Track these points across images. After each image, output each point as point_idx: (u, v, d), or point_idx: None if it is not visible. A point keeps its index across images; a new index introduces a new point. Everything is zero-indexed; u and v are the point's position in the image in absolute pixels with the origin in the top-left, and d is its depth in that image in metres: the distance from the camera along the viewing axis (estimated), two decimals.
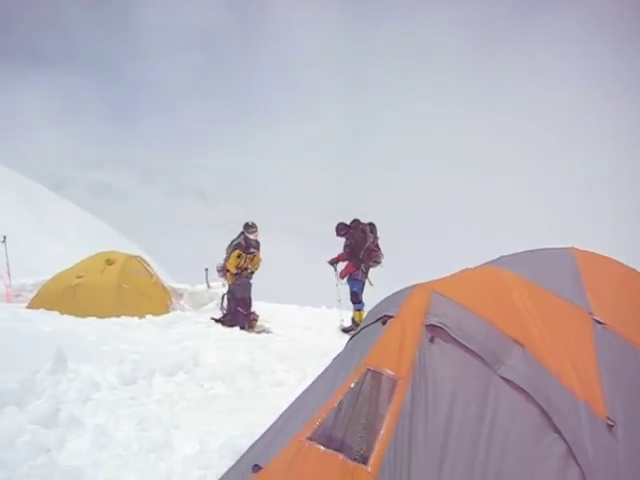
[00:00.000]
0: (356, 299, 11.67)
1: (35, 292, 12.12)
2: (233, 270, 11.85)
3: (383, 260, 11.87)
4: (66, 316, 10.32)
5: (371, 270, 11.82)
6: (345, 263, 11.85)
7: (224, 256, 12.20)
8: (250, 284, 12.08)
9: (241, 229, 12.21)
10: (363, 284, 11.75)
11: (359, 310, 11.63)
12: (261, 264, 12.24)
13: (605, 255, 4.15)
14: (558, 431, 2.62)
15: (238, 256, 11.89)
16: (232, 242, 12.13)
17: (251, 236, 12.08)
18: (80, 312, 10.43)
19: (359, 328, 3.37)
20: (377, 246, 11.84)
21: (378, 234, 11.98)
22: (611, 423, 2.68)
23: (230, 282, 11.96)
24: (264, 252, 12.38)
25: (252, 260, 12.09)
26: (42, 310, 10.79)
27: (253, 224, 12.16)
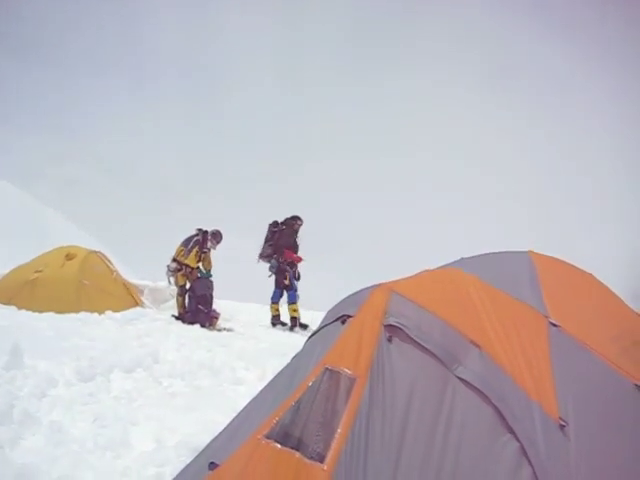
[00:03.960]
0: None
1: None
2: (195, 265, 11.94)
3: (264, 262, 12.47)
4: (23, 311, 10.19)
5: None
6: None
7: (174, 255, 12.25)
8: (212, 282, 12.12)
9: (198, 227, 12.35)
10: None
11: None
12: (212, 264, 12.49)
13: (562, 259, 4.24)
14: (512, 431, 2.67)
15: (195, 254, 12.02)
16: (189, 239, 12.25)
17: (213, 247, 12.27)
18: (38, 307, 10.30)
19: (317, 327, 3.38)
20: (270, 246, 12.40)
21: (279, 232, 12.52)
22: (563, 423, 2.74)
23: (181, 283, 12.05)
24: (228, 249, 12.49)
25: (204, 259, 12.26)
26: None
27: (221, 235, 12.36)
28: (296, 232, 12.47)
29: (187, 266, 11.99)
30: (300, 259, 12.27)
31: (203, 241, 12.19)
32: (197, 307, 11.65)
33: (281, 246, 12.18)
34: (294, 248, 12.36)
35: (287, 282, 12.15)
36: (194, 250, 12.02)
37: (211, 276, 12.25)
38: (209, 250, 12.32)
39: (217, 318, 11.76)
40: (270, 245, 12.30)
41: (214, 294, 12.02)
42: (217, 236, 12.35)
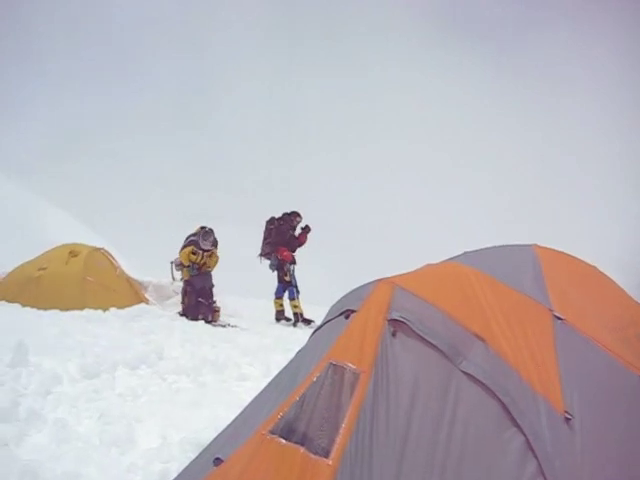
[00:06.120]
0: None
1: None
2: (186, 263, 11.93)
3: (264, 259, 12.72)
4: (28, 308, 10.20)
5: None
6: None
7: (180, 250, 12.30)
8: (210, 274, 12.13)
9: (202, 225, 12.36)
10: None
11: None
12: (218, 263, 12.44)
13: (566, 252, 4.23)
14: (517, 425, 2.66)
15: (193, 252, 11.97)
16: (189, 236, 12.23)
17: (206, 246, 12.14)
18: (42, 304, 10.32)
19: (321, 322, 3.38)
20: (267, 244, 12.54)
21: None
22: (569, 416, 2.73)
23: (187, 278, 12.06)
24: (228, 245, 12.49)
25: (210, 257, 12.19)
26: (3, 302, 10.65)
27: (211, 234, 12.22)
28: (294, 228, 12.49)
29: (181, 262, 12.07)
30: (290, 257, 12.26)
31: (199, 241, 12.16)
32: (197, 301, 11.68)
33: (277, 243, 12.20)
34: (291, 244, 12.36)
35: (287, 278, 12.20)
36: (187, 249, 12.02)
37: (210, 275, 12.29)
38: (209, 250, 12.24)
39: (219, 311, 11.79)
40: (268, 243, 12.33)
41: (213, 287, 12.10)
42: (207, 235, 12.18)
